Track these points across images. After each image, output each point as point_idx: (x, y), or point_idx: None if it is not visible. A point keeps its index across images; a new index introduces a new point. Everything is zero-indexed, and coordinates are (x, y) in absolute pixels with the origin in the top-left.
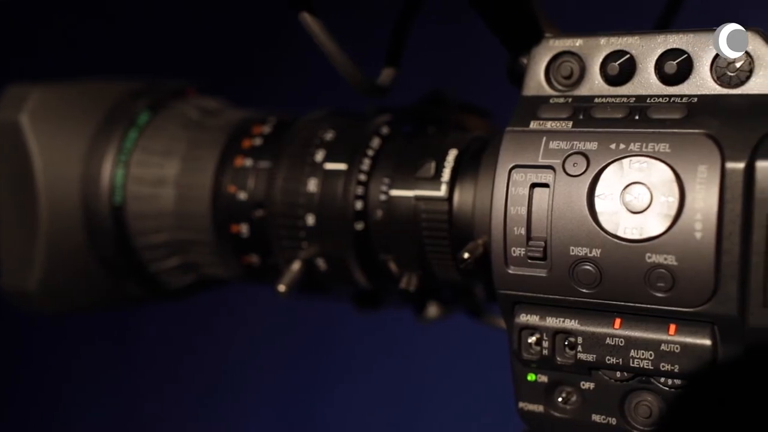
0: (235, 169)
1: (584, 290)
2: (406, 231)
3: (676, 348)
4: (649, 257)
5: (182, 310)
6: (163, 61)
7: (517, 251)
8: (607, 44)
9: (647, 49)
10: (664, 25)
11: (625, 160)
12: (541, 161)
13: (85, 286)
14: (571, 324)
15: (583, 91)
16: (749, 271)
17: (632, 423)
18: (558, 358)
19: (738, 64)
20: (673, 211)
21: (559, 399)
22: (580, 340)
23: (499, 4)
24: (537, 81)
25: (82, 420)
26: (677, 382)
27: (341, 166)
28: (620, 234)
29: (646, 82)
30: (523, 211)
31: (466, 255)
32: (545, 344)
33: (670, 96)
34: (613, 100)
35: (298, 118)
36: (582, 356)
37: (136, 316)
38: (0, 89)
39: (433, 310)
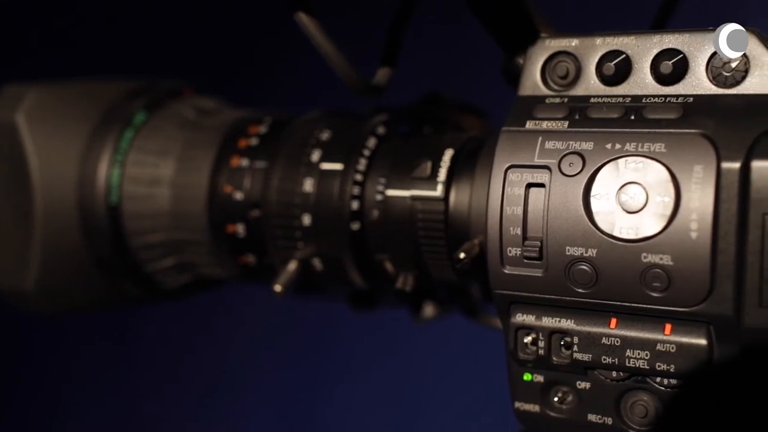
0: (231, 169)
1: (580, 290)
2: (402, 231)
3: (672, 348)
4: (645, 257)
5: (180, 310)
6: (159, 61)
7: (513, 251)
8: (602, 44)
9: (643, 49)
10: (659, 25)
11: (621, 160)
12: (537, 161)
13: (81, 286)
14: (567, 324)
15: (579, 91)
16: (745, 270)
17: (628, 423)
18: (554, 358)
19: (734, 64)
20: (668, 211)
21: (555, 399)
22: (576, 339)
23: (495, 4)
24: (533, 81)
25: (82, 420)
26: (673, 381)
27: (337, 166)
28: (616, 234)
29: (642, 82)
30: (519, 211)
31: (462, 255)
32: (541, 344)
33: (665, 96)
34: (608, 100)
35: (294, 118)
36: (578, 356)
37: (135, 316)
38: None
39: (429, 310)
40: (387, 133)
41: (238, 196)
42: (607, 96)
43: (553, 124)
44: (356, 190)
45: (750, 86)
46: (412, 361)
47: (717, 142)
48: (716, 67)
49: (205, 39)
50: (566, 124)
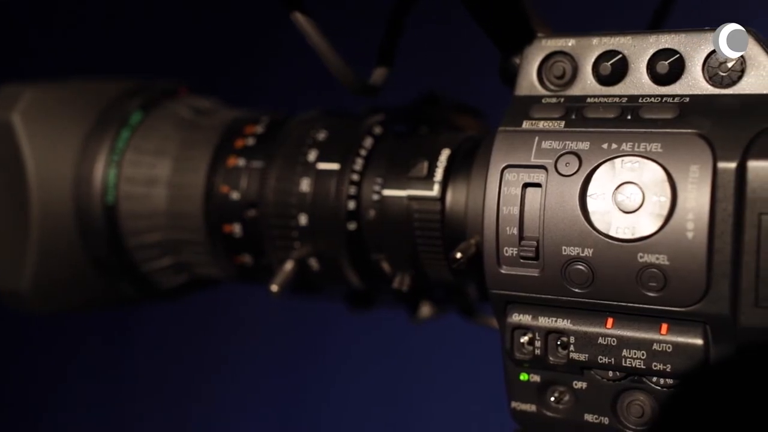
0: (227, 169)
1: (577, 290)
2: (399, 231)
3: (668, 347)
4: (641, 257)
5: (177, 310)
6: (156, 61)
7: (510, 251)
8: (599, 44)
9: (639, 49)
10: (656, 25)
11: (617, 160)
12: (533, 161)
13: (78, 286)
14: (563, 323)
15: (576, 91)
16: (741, 270)
17: (624, 422)
18: (550, 358)
19: (730, 64)
20: (665, 211)
21: (552, 398)
22: (572, 339)
23: (492, 3)
24: (529, 81)
25: (79, 420)
26: (669, 381)
27: (334, 166)
28: (612, 234)
29: (639, 82)
30: (516, 210)
31: (458, 255)
32: (537, 344)
33: (662, 96)
34: (605, 100)
35: (290, 117)
36: (574, 356)
37: (132, 316)
38: None
39: (425, 309)
40: (383, 133)
41: (235, 196)
42: (604, 96)
43: (550, 124)
44: (353, 190)
45: (746, 86)
46: (409, 361)
47: (713, 142)
48: (712, 67)
49: (202, 38)
50: (563, 124)
